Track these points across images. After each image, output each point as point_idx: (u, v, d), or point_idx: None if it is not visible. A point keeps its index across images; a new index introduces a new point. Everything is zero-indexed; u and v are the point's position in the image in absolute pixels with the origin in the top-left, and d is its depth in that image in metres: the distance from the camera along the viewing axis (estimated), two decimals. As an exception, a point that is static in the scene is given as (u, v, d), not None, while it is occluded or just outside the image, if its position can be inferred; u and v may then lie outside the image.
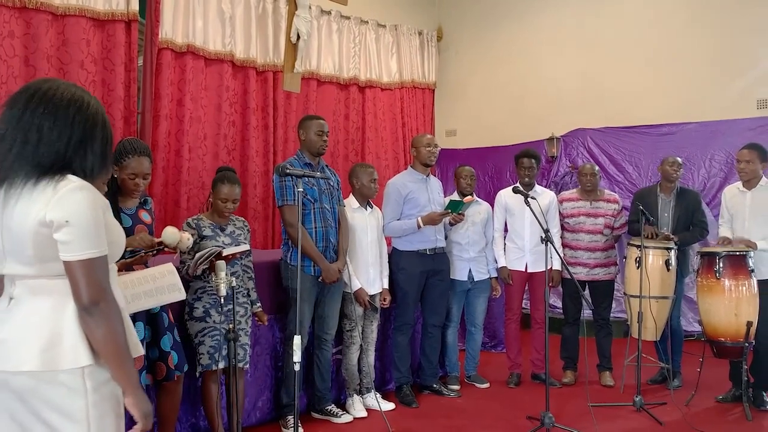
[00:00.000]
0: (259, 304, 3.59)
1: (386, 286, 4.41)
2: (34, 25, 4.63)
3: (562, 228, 4.97)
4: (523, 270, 4.85)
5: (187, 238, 2.96)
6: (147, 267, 2.83)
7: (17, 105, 1.59)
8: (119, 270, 2.31)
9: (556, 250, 3.96)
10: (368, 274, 4.27)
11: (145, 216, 3.03)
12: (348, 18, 7.13)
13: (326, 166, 4.18)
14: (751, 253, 4.16)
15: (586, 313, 4.93)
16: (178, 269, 2.87)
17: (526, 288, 4.98)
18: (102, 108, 1.70)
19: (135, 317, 2.70)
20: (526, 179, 4.88)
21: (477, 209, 4.87)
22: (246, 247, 3.28)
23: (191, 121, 5.62)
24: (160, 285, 2.55)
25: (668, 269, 4.48)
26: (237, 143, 6.09)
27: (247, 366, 3.51)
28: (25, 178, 1.55)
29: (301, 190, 2.95)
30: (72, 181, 1.57)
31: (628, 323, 4.68)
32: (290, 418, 3.81)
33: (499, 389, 4.82)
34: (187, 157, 5.58)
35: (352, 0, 6.92)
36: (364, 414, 4.15)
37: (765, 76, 6.15)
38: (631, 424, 4.01)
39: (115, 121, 4.95)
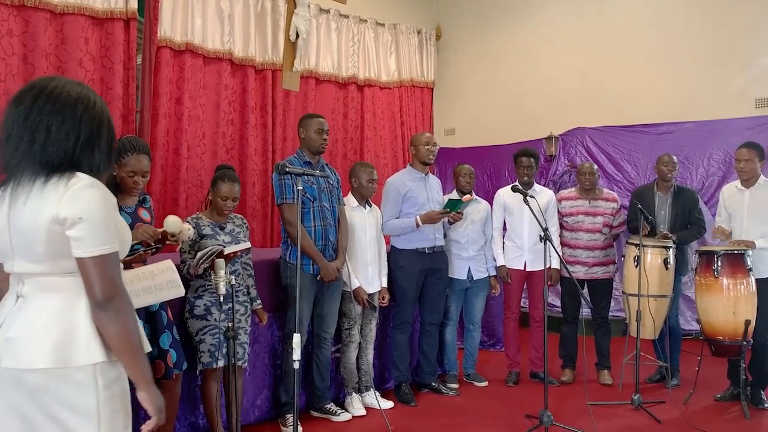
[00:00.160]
0: (259, 301, 3.59)
1: (385, 284, 4.41)
2: (33, 23, 4.62)
3: (561, 227, 4.97)
4: (522, 269, 4.85)
5: (188, 228, 2.96)
6: (146, 264, 2.83)
7: (23, 103, 1.59)
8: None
9: (554, 248, 3.96)
10: (367, 272, 4.27)
11: (144, 214, 3.02)
12: (347, 17, 7.13)
13: (326, 164, 4.18)
14: (750, 252, 4.17)
15: (585, 311, 4.93)
16: (178, 268, 2.87)
17: (525, 287, 4.99)
18: (106, 106, 1.71)
19: (133, 315, 2.69)
20: (525, 178, 4.88)
21: (476, 208, 4.87)
22: (247, 244, 3.28)
23: (190, 119, 5.62)
24: (158, 282, 2.54)
25: (667, 268, 4.48)
26: (236, 142, 6.09)
27: (246, 364, 3.51)
28: (33, 176, 1.56)
29: (301, 188, 2.95)
30: (82, 179, 1.58)
31: (627, 322, 4.69)
32: (289, 417, 3.82)
33: (498, 388, 4.82)
34: (186, 155, 5.58)
35: (350, -1, 6.94)
36: (363, 412, 4.15)
37: (763, 75, 6.16)
38: (629, 422, 4.02)
39: (113, 119, 4.90)
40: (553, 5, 7.45)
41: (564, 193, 5.16)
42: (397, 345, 4.51)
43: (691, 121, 6.47)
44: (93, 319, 1.59)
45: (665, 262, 4.47)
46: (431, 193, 4.60)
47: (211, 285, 3.24)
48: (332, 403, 4.11)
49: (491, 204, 5.01)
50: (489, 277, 4.92)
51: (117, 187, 2.89)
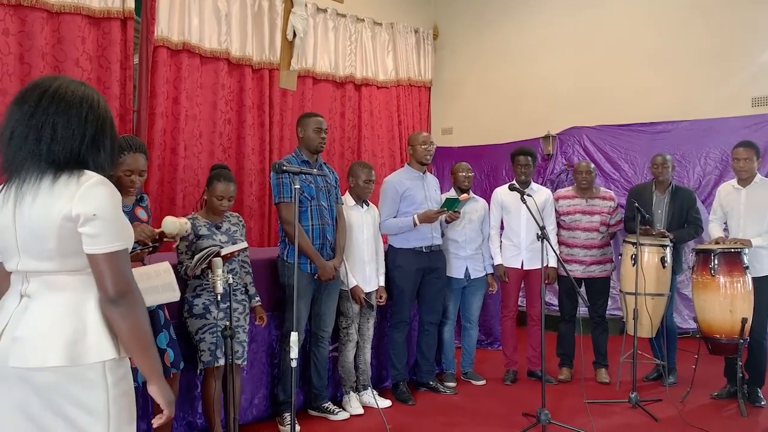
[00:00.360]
0: (258, 299, 3.59)
1: (382, 283, 4.42)
2: (29, 22, 4.60)
3: (558, 225, 4.98)
4: (519, 267, 4.86)
5: (184, 222, 2.96)
6: (144, 264, 2.83)
7: (28, 103, 1.59)
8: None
9: (552, 247, 3.97)
10: (364, 271, 4.28)
11: (141, 213, 3.02)
12: (344, 16, 7.13)
13: (324, 163, 4.18)
14: (746, 250, 4.18)
15: (582, 310, 4.95)
16: (175, 269, 2.87)
17: (522, 285, 4.99)
18: (108, 105, 1.72)
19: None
20: (522, 177, 4.89)
21: (474, 206, 4.88)
22: (244, 245, 3.28)
23: (187, 119, 5.61)
24: (154, 284, 2.53)
25: (664, 266, 4.49)
26: (233, 141, 6.08)
27: (245, 363, 3.51)
28: (40, 175, 1.56)
29: (298, 187, 2.95)
30: (92, 176, 1.60)
31: (624, 320, 4.70)
32: (287, 416, 3.82)
33: (496, 386, 4.83)
34: (183, 155, 5.57)
35: (348, -2, 6.94)
36: (360, 411, 4.16)
37: (759, 74, 6.18)
38: (626, 420, 4.03)
39: (110, 119, 4.92)
40: (550, 5, 7.46)
41: (561, 191, 5.17)
42: (395, 344, 4.52)
43: (688, 120, 6.48)
44: (105, 315, 1.60)
45: (662, 260, 4.48)
46: (429, 192, 4.61)
47: (208, 284, 3.24)
48: (330, 402, 4.11)
49: (489, 203, 5.02)
50: (486, 275, 4.93)
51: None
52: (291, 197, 3.74)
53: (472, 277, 4.84)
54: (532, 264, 4.79)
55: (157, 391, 1.69)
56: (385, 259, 4.51)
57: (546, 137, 7.26)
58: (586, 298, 4.64)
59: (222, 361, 3.25)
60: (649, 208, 4.75)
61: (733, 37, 6.27)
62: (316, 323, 4.03)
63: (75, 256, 1.59)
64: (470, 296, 4.91)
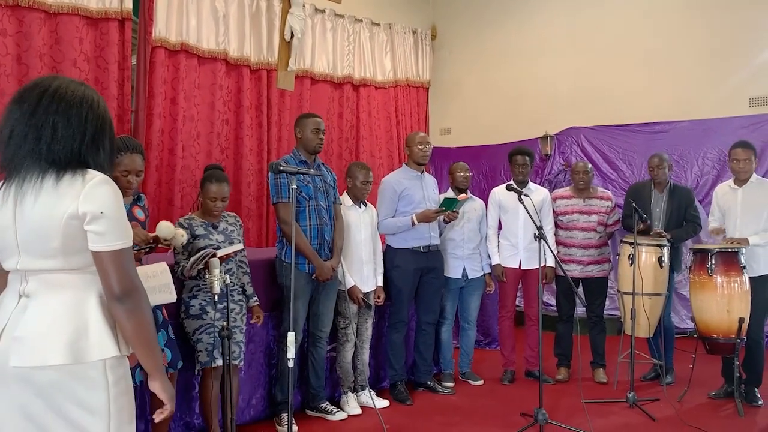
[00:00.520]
0: (255, 298, 3.58)
1: (380, 283, 4.42)
2: (27, 23, 4.61)
3: (556, 225, 4.98)
4: (517, 267, 4.86)
5: (181, 234, 2.97)
6: (141, 265, 2.84)
7: (27, 102, 1.60)
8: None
9: (549, 247, 3.97)
10: (362, 271, 4.28)
11: (138, 213, 3.03)
12: (342, 16, 7.13)
13: (322, 163, 4.18)
14: (743, 250, 4.18)
15: (580, 310, 4.95)
16: (172, 269, 2.87)
17: (520, 285, 5.00)
18: (107, 106, 1.73)
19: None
20: (520, 177, 4.89)
21: (472, 206, 4.88)
22: (240, 246, 3.29)
23: (185, 119, 5.61)
24: (151, 285, 2.53)
25: (661, 266, 4.50)
26: (231, 141, 6.08)
27: (242, 363, 3.51)
28: (41, 174, 1.57)
29: (295, 187, 2.95)
30: (96, 175, 1.61)
31: (622, 320, 4.71)
32: (284, 416, 3.82)
33: (493, 386, 4.83)
34: (181, 155, 5.57)
35: (346, -2, 6.94)
36: (358, 411, 4.16)
37: (757, 74, 6.19)
38: (624, 420, 4.03)
39: (108, 119, 4.92)
40: (548, 6, 7.47)
41: (559, 191, 5.17)
42: (393, 344, 4.52)
43: (686, 120, 6.49)
44: (111, 313, 1.62)
45: (660, 260, 4.49)
46: (427, 191, 4.61)
47: (205, 284, 3.24)
48: (328, 402, 4.12)
49: (486, 203, 5.02)
50: (484, 275, 4.93)
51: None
52: (289, 197, 3.74)
53: (469, 277, 4.84)
54: (530, 264, 4.79)
55: (160, 387, 1.71)
56: (384, 259, 4.52)
57: (544, 137, 7.27)
58: (583, 298, 4.66)
59: (219, 362, 3.25)
60: (648, 206, 4.75)
61: (731, 38, 6.28)
62: (314, 323, 4.03)
63: (78, 254, 1.60)
64: (468, 296, 4.92)
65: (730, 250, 4.18)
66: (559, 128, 7.25)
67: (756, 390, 4.31)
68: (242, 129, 6.10)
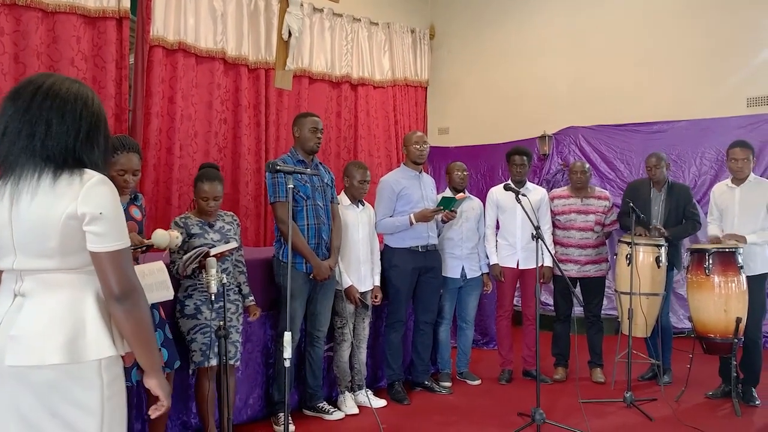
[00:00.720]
0: (251, 298, 3.58)
1: (378, 283, 4.42)
2: (24, 22, 4.60)
3: (553, 225, 4.98)
4: (515, 267, 4.86)
5: (176, 236, 2.97)
6: (138, 264, 2.83)
7: (21, 98, 1.59)
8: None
9: (546, 246, 3.97)
10: (359, 271, 4.28)
11: (135, 212, 3.03)
12: (340, 16, 7.13)
13: (320, 163, 4.18)
14: (741, 250, 4.18)
15: (578, 309, 4.95)
16: (168, 268, 2.87)
17: (518, 285, 5.00)
18: (101, 103, 1.73)
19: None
20: (518, 177, 4.90)
21: (470, 205, 4.88)
22: (234, 244, 3.28)
23: (182, 118, 5.61)
24: (148, 283, 2.54)
25: (659, 266, 4.50)
26: (228, 141, 6.07)
27: (238, 363, 3.51)
28: (37, 172, 1.57)
29: (292, 186, 2.95)
30: (94, 175, 1.61)
31: (619, 320, 4.70)
32: (282, 415, 3.81)
33: (491, 386, 4.83)
34: (178, 154, 5.57)
35: (344, -2, 6.94)
36: (355, 411, 4.15)
37: (755, 74, 6.19)
38: (621, 420, 4.03)
39: (106, 118, 4.92)
40: (546, 5, 7.46)
41: (556, 191, 5.18)
42: (391, 344, 4.52)
43: (684, 120, 6.50)
44: (110, 312, 1.62)
45: (657, 260, 4.49)
46: (425, 191, 4.61)
47: (200, 284, 3.25)
48: (325, 402, 4.11)
49: (484, 203, 5.02)
50: (482, 275, 4.93)
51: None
52: (286, 197, 3.74)
53: (468, 277, 4.84)
54: (528, 263, 4.79)
55: (156, 384, 1.73)
56: (381, 259, 4.51)
57: (542, 137, 7.27)
58: (580, 297, 4.66)
59: (214, 362, 3.25)
60: (646, 204, 4.75)
61: (729, 38, 6.28)
62: (312, 323, 4.03)
63: (75, 254, 1.60)
64: (466, 296, 4.91)
65: (727, 249, 4.18)
66: (557, 128, 7.25)
67: (753, 390, 4.31)
68: (240, 128, 6.10)
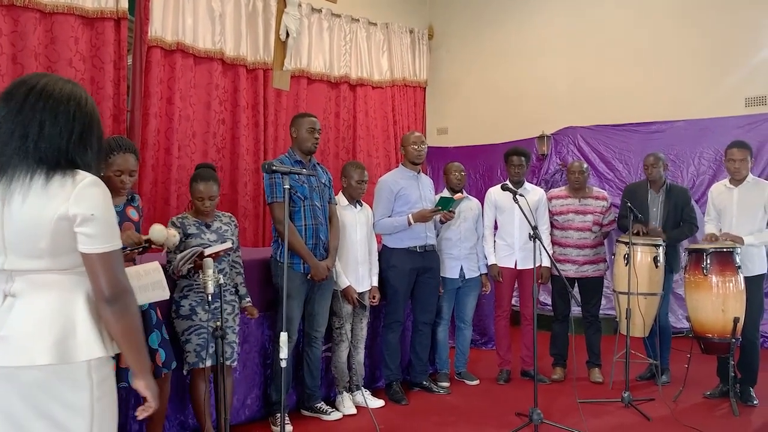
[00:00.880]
0: (248, 299, 3.57)
1: (375, 283, 4.42)
2: (22, 22, 4.60)
3: (552, 225, 4.98)
4: (513, 267, 4.87)
5: (173, 235, 2.98)
6: (134, 264, 2.84)
7: (14, 99, 1.59)
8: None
9: (544, 246, 3.98)
10: (357, 271, 4.28)
11: (132, 213, 3.03)
12: (339, 16, 7.13)
13: (318, 163, 4.18)
14: (738, 250, 4.18)
15: (576, 309, 4.95)
16: (164, 268, 2.87)
17: (516, 285, 5.00)
18: (95, 104, 1.72)
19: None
20: (516, 177, 4.90)
21: (468, 205, 4.88)
22: (228, 244, 3.27)
23: (181, 119, 5.61)
24: (144, 282, 2.54)
25: (656, 266, 4.50)
26: (227, 141, 6.07)
27: (235, 364, 3.51)
28: (30, 173, 1.56)
29: (287, 186, 2.95)
30: (87, 176, 1.60)
31: (617, 320, 4.70)
32: (279, 416, 3.81)
33: (489, 386, 4.83)
34: (177, 155, 5.57)
35: (342, -2, 6.94)
36: (353, 411, 4.15)
37: (753, 74, 6.19)
38: (619, 419, 4.03)
39: (104, 119, 4.91)
40: (545, 6, 7.46)
41: (554, 191, 5.17)
42: (389, 344, 4.52)
43: (682, 119, 6.50)
44: (100, 314, 1.62)
45: (655, 260, 4.49)
46: (423, 191, 4.61)
47: (196, 284, 3.25)
48: (323, 402, 4.11)
49: (483, 203, 5.02)
50: (480, 275, 4.93)
51: (105, 187, 2.89)
52: (283, 197, 3.74)
53: (467, 277, 4.84)
54: (526, 264, 4.80)
55: (144, 385, 1.73)
56: (380, 259, 4.51)
57: (541, 137, 7.27)
58: (577, 298, 4.66)
59: (208, 363, 3.25)
60: (644, 206, 4.76)
61: (727, 38, 6.28)
62: (309, 323, 4.03)
63: (66, 255, 1.60)
64: (464, 296, 4.92)
65: (725, 249, 4.18)
66: (556, 128, 7.25)
67: (751, 389, 4.31)
68: (239, 129, 6.10)
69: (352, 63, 7.28)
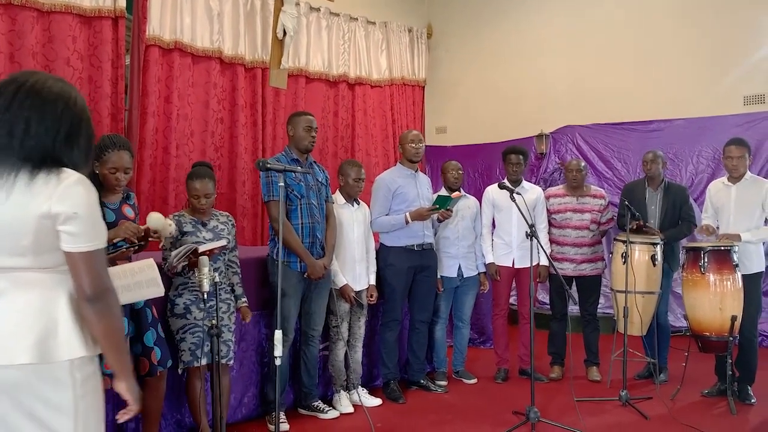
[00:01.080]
0: (244, 299, 3.57)
1: (373, 282, 4.41)
2: (20, 21, 4.61)
3: (549, 224, 4.98)
4: (511, 266, 4.86)
5: (169, 224, 2.98)
6: (130, 262, 2.83)
7: (3, 96, 1.58)
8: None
9: (541, 245, 3.97)
10: (354, 270, 4.27)
11: (128, 211, 3.02)
12: (337, 15, 7.13)
13: (315, 162, 4.18)
14: (736, 248, 4.18)
15: (574, 308, 4.94)
16: (159, 266, 2.87)
17: (514, 284, 4.99)
18: (86, 104, 1.71)
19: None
20: (514, 176, 4.89)
21: (466, 204, 4.88)
22: (223, 242, 3.27)
23: (179, 118, 5.61)
24: (138, 280, 2.54)
25: (654, 264, 4.49)
26: (225, 140, 6.08)
27: (232, 362, 3.51)
28: (13, 170, 1.55)
29: (282, 184, 2.95)
30: (72, 175, 1.59)
31: (615, 318, 4.70)
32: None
33: (487, 384, 4.83)
34: (175, 154, 5.57)
35: (341, -3, 6.94)
36: (350, 410, 4.15)
37: (751, 72, 6.19)
38: (616, 418, 4.03)
39: (102, 118, 4.94)
40: (544, 5, 7.46)
41: (552, 190, 5.17)
42: (386, 342, 4.51)
43: (681, 118, 6.50)
44: (81, 313, 1.60)
45: (653, 258, 4.48)
46: (421, 189, 4.61)
47: (191, 283, 3.25)
48: (320, 401, 4.11)
49: (481, 201, 5.02)
50: (478, 274, 4.93)
51: (100, 185, 2.89)
52: (279, 195, 3.74)
53: (465, 276, 4.83)
54: (524, 262, 4.79)
55: (125, 388, 1.72)
56: (377, 258, 4.51)
57: (539, 136, 7.27)
58: (574, 296, 4.65)
59: (203, 361, 3.24)
60: (643, 204, 4.75)
61: (726, 37, 6.28)
62: (306, 322, 4.02)
63: (49, 253, 1.58)
64: (462, 295, 4.91)
65: (722, 248, 4.17)
66: (554, 127, 7.25)
67: (749, 388, 4.31)
68: (237, 127, 6.10)
69: (351, 62, 7.28)
